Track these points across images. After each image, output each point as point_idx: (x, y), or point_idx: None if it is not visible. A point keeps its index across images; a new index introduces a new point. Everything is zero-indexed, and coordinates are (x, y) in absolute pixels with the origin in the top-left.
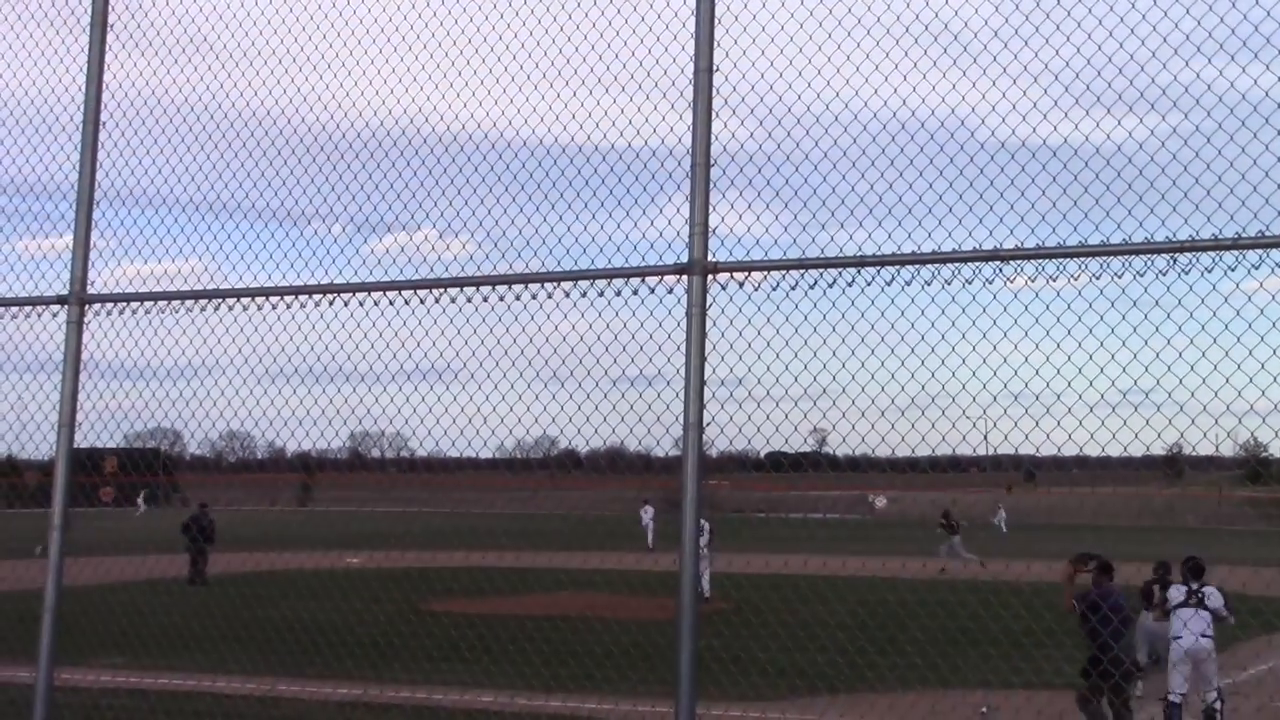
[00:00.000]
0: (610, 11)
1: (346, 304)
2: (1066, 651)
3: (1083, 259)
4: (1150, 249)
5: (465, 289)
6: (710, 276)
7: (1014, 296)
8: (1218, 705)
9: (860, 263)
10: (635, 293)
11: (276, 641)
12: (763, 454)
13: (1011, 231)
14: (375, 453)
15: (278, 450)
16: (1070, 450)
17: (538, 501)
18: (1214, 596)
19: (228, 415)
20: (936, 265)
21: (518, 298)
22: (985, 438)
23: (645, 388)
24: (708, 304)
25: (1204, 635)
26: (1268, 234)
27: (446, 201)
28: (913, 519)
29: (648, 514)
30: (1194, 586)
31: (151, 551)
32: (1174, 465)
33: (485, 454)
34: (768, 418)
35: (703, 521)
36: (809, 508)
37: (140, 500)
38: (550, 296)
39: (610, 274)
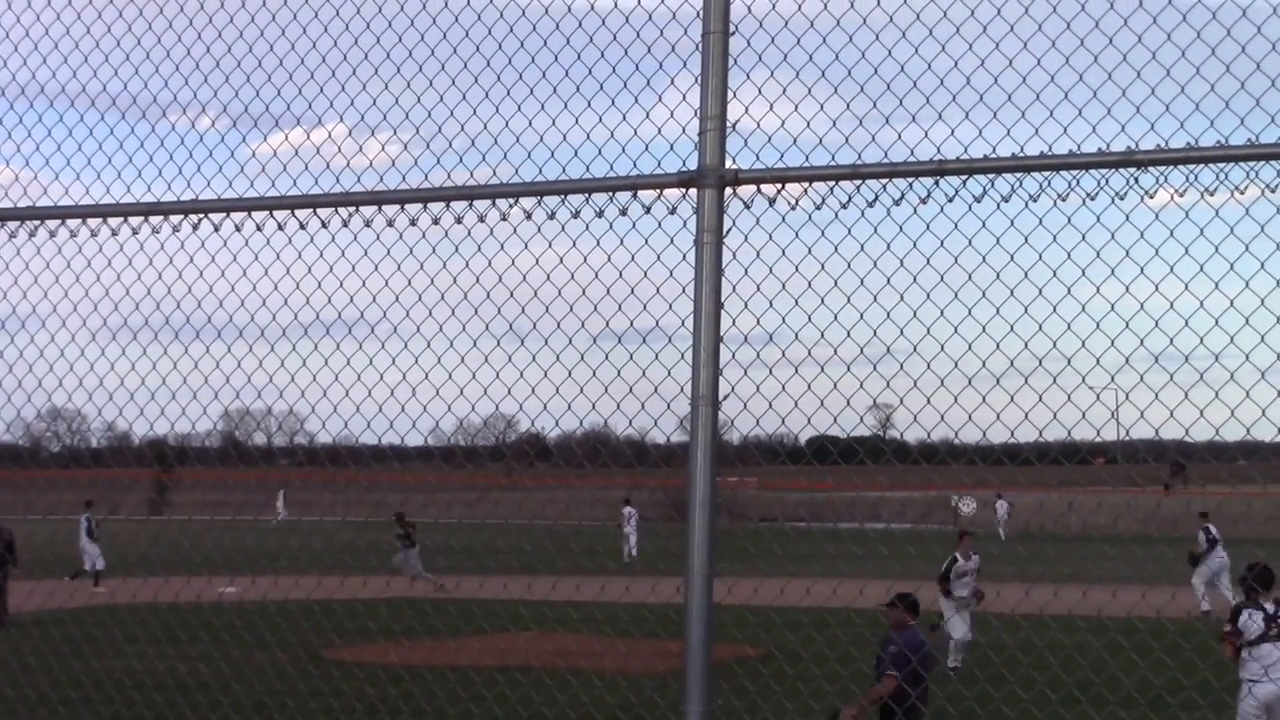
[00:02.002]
0: None
1: (218, 228)
2: (1227, 715)
3: (1252, 164)
4: None
5: (385, 208)
6: (730, 190)
7: (1154, 217)
8: None
9: (940, 171)
10: (624, 213)
11: (119, 704)
12: (803, 439)
13: (1152, 126)
14: (259, 439)
15: (121, 436)
16: (1233, 433)
17: (488, 506)
18: None
19: (49, 387)
20: (1046, 174)
21: (459, 220)
22: (1114, 416)
23: (638, 347)
24: (726, 229)
25: (1274, 679)
26: None
27: (359, 85)
28: (1013, 529)
29: (630, 519)
30: (1273, 610)
31: None
32: None
33: (413, 440)
34: (809, 388)
35: (972, 554)
36: (868, 515)
37: None
38: (505, 219)
39: (589, 187)
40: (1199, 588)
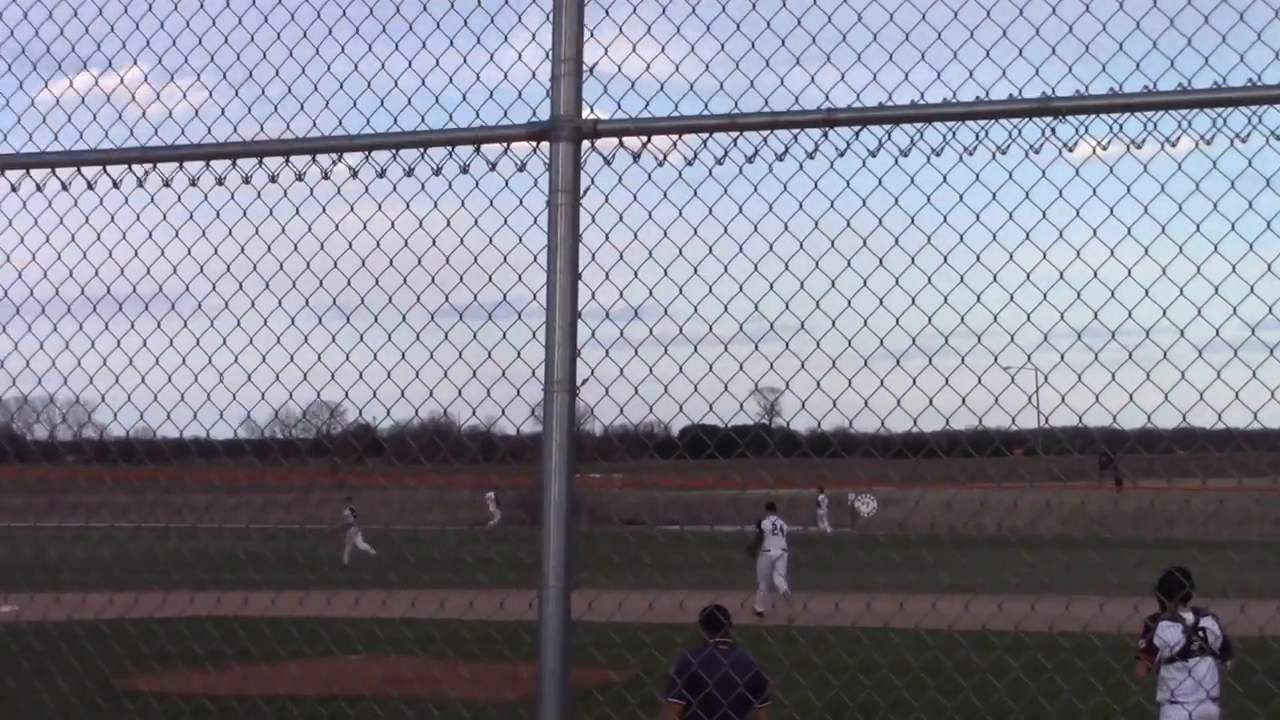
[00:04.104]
0: None
1: None
2: None
3: (1183, 113)
4: None
5: (187, 165)
6: (587, 144)
7: (1075, 173)
8: None
9: (829, 121)
10: (465, 170)
11: None
12: (674, 430)
13: (1070, 70)
14: (40, 432)
15: None
16: (1168, 420)
17: (310, 508)
18: (1215, 629)
19: None
20: (951, 124)
21: (273, 178)
22: (1032, 401)
23: (483, 324)
24: (583, 188)
25: (1213, 697)
26: None
27: (156, 23)
28: (918, 532)
29: (351, 519)
30: (1191, 620)
31: None
32: None
33: (221, 432)
34: (681, 371)
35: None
36: (750, 516)
37: None
38: (327, 177)
39: (425, 141)
40: (762, 585)
